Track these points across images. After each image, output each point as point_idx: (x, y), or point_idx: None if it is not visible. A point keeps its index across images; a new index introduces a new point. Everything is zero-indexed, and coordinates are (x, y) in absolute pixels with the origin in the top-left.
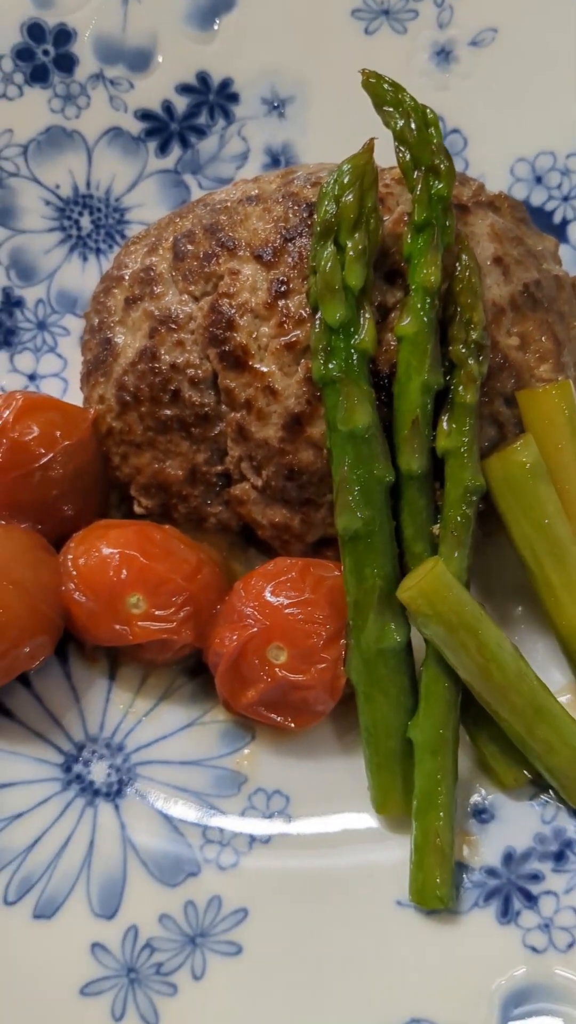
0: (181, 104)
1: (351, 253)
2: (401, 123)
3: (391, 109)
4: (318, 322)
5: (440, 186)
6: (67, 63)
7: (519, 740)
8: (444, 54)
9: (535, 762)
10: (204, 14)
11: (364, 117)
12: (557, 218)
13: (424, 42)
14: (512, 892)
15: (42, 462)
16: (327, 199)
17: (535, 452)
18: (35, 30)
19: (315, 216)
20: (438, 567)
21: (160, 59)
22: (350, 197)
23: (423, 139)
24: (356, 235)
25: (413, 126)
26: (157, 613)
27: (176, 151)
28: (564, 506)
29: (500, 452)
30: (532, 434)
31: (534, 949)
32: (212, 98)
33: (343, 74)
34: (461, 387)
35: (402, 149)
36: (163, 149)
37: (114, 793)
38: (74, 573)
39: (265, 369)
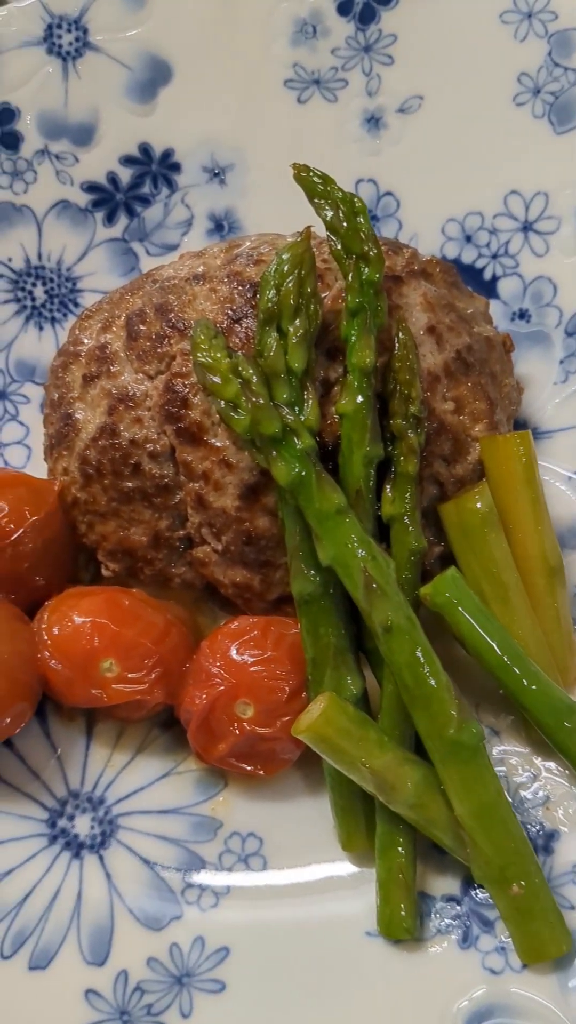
0: (125, 175)
1: (293, 339)
2: (331, 214)
3: (321, 201)
4: None
5: (369, 271)
6: (12, 140)
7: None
8: (374, 121)
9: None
10: (143, 87)
11: None
12: (488, 275)
13: (355, 110)
14: (471, 918)
15: (12, 538)
16: (268, 287)
17: (489, 500)
18: None
19: (258, 301)
20: (329, 706)
21: (103, 132)
22: (290, 285)
23: (352, 228)
24: (297, 321)
25: (342, 216)
26: (130, 676)
27: (123, 220)
28: (517, 549)
29: (457, 498)
30: (490, 479)
31: (492, 971)
32: (155, 168)
33: (279, 141)
34: (402, 458)
35: (333, 239)
36: (110, 219)
37: (98, 845)
38: (48, 642)
39: (220, 444)
